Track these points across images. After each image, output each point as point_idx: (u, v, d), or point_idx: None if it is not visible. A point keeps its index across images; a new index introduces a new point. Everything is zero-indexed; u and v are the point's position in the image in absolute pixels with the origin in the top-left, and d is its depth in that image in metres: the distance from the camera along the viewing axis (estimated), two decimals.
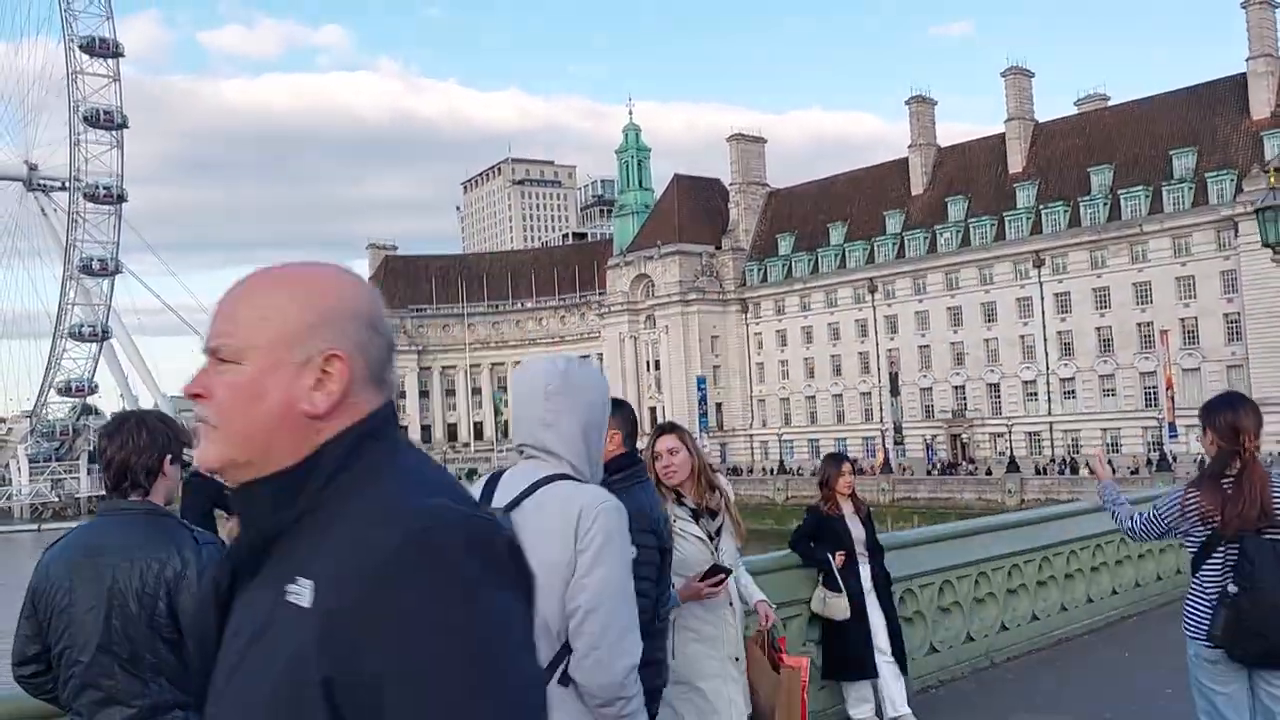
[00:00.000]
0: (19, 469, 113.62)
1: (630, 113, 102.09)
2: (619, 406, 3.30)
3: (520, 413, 2.56)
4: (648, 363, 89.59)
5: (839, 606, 6.08)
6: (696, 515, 4.15)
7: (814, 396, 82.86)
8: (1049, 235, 70.24)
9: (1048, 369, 69.96)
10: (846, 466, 6.52)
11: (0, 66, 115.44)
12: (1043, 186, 72.31)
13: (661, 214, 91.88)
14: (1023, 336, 71.44)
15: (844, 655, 6.18)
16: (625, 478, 3.18)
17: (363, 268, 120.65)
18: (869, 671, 6.20)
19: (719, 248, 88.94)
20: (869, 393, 79.23)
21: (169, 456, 3.03)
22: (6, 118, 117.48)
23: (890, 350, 76.83)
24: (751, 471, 77.50)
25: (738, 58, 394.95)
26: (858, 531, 6.37)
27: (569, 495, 2.41)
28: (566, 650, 2.33)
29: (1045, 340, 70.05)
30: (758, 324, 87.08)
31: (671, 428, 4.31)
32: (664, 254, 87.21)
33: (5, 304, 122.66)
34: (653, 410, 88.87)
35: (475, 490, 2.57)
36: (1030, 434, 69.31)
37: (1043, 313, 69.99)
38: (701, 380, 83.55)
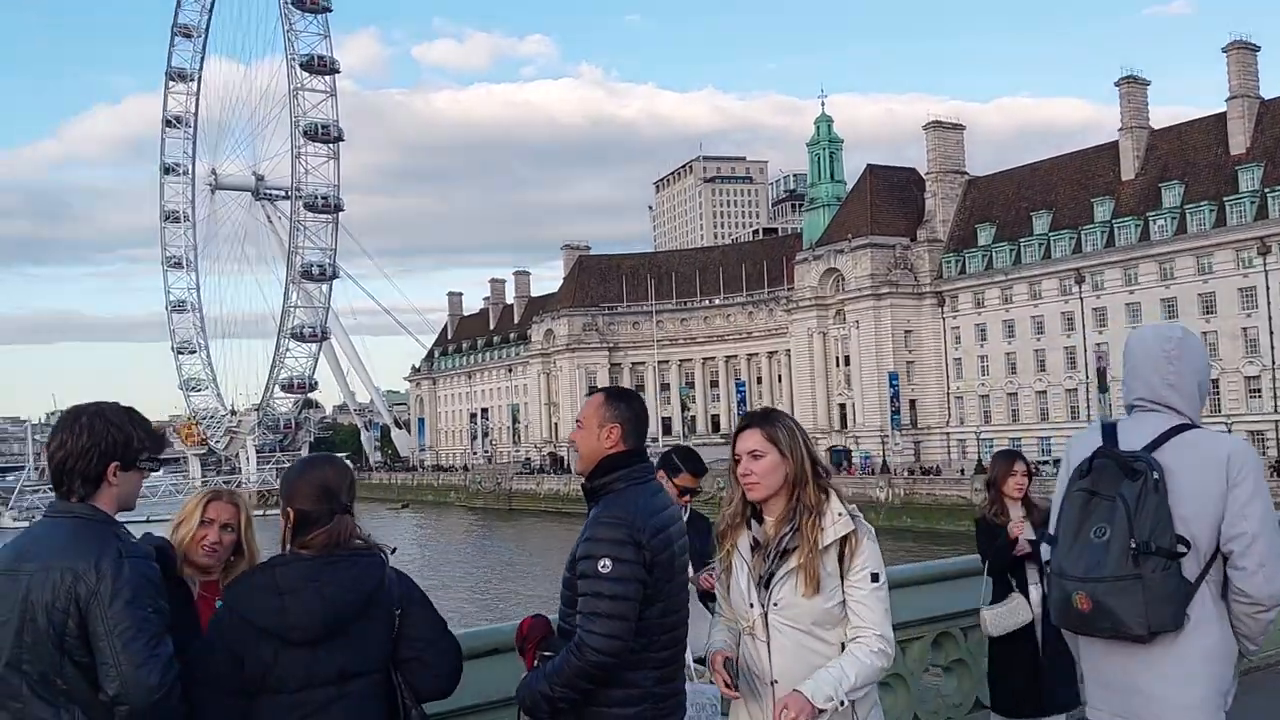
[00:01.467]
0: (248, 459, 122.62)
1: (822, 104, 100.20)
2: (621, 398, 3.14)
3: (1141, 372, 2.95)
4: (837, 359, 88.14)
5: (1013, 611, 5.15)
6: (755, 547, 3.02)
7: (1015, 393, 79.54)
8: (1276, 220, 64.98)
9: (1274, 363, 64.77)
10: (1020, 465, 5.50)
11: (236, 86, 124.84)
12: (1269, 168, 66.91)
13: (853, 206, 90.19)
14: (1245, 329, 66.35)
15: (1018, 687, 5.17)
16: (620, 478, 2.98)
17: (558, 267, 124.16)
18: (1047, 708, 5.13)
19: (914, 240, 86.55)
20: (1075, 389, 75.39)
21: (115, 464, 2.67)
22: (239, 133, 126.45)
23: (1098, 344, 72.81)
24: (947, 471, 75.19)
25: (941, 47, 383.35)
26: (1025, 539, 5.31)
27: (1214, 440, 2.88)
28: (1209, 566, 2.78)
29: (1271, 333, 64.85)
30: (955, 318, 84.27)
31: (762, 418, 3.09)
32: (855, 247, 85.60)
33: (237, 307, 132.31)
34: (842, 407, 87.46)
35: (1094, 434, 2.96)
36: (1253, 433, 64.31)
37: (1269, 303, 64.80)
38: (894, 376, 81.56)
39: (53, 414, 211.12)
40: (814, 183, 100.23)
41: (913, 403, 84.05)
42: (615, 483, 2.99)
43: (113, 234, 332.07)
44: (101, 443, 2.66)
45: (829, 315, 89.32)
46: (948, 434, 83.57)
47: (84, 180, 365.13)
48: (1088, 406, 72.87)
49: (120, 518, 2.75)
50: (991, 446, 79.21)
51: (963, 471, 70.91)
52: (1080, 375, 74.55)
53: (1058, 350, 76.79)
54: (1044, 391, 77.68)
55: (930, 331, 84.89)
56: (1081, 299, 75.10)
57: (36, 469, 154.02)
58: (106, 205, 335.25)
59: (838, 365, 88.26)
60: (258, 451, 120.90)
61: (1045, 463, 71.92)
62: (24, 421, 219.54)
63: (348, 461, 3.57)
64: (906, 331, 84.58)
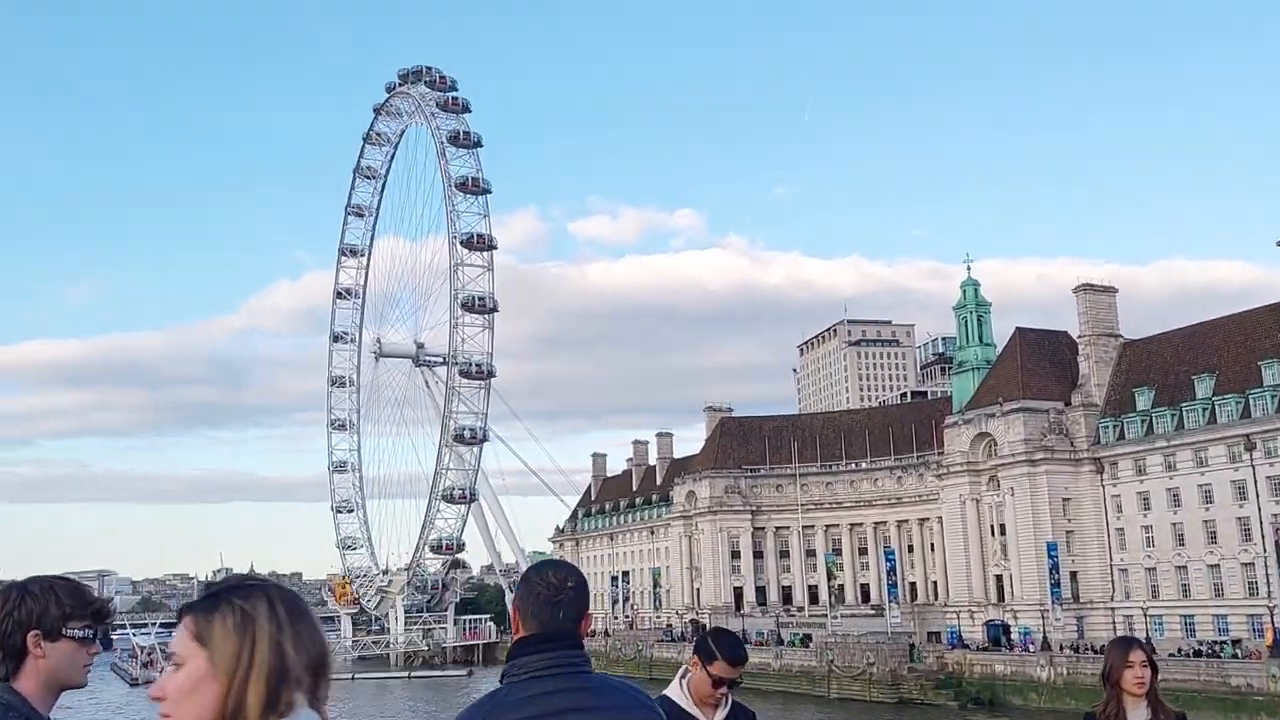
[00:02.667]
0: (396, 618, 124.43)
1: (968, 268, 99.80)
2: (525, 578, 2.82)
3: None
4: (992, 527, 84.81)
5: None
6: None
7: (1185, 566, 74.63)
8: None
9: None
10: (1138, 655, 4.75)
11: (402, 261, 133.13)
12: None
13: (1003, 369, 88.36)
14: None
15: None
16: (507, 670, 2.67)
17: (700, 429, 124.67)
18: None
19: (1068, 404, 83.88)
20: (1251, 563, 70.28)
21: (36, 634, 2.61)
22: (403, 304, 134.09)
23: (1275, 515, 68.14)
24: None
25: (1093, 208, 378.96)
26: None
27: None
28: None
29: None
30: (1115, 485, 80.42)
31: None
32: (1006, 411, 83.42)
33: (393, 468, 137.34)
34: (999, 579, 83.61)
35: None
36: None
37: None
38: (1053, 547, 77.77)
39: (219, 571, 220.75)
40: (962, 346, 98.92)
41: (1074, 574, 79.72)
42: (503, 676, 2.70)
43: (285, 399, 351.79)
44: (16, 612, 2.61)
45: (981, 481, 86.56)
46: (1112, 609, 78.61)
47: (262, 350, 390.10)
48: (1267, 582, 67.71)
49: None
50: (1161, 624, 74.08)
51: None
52: (1256, 548, 69.59)
53: (1229, 521, 72.12)
54: (1216, 565, 72.69)
55: (1090, 499, 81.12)
56: (1253, 466, 70.82)
57: None
58: (281, 373, 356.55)
59: (993, 534, 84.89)
60: (405, 612, 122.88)
61: (1223, 643, 66.75)
62: (191, 578, 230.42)
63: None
64: (1064, 499, 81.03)
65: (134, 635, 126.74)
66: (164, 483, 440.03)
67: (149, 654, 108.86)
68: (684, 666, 4.41)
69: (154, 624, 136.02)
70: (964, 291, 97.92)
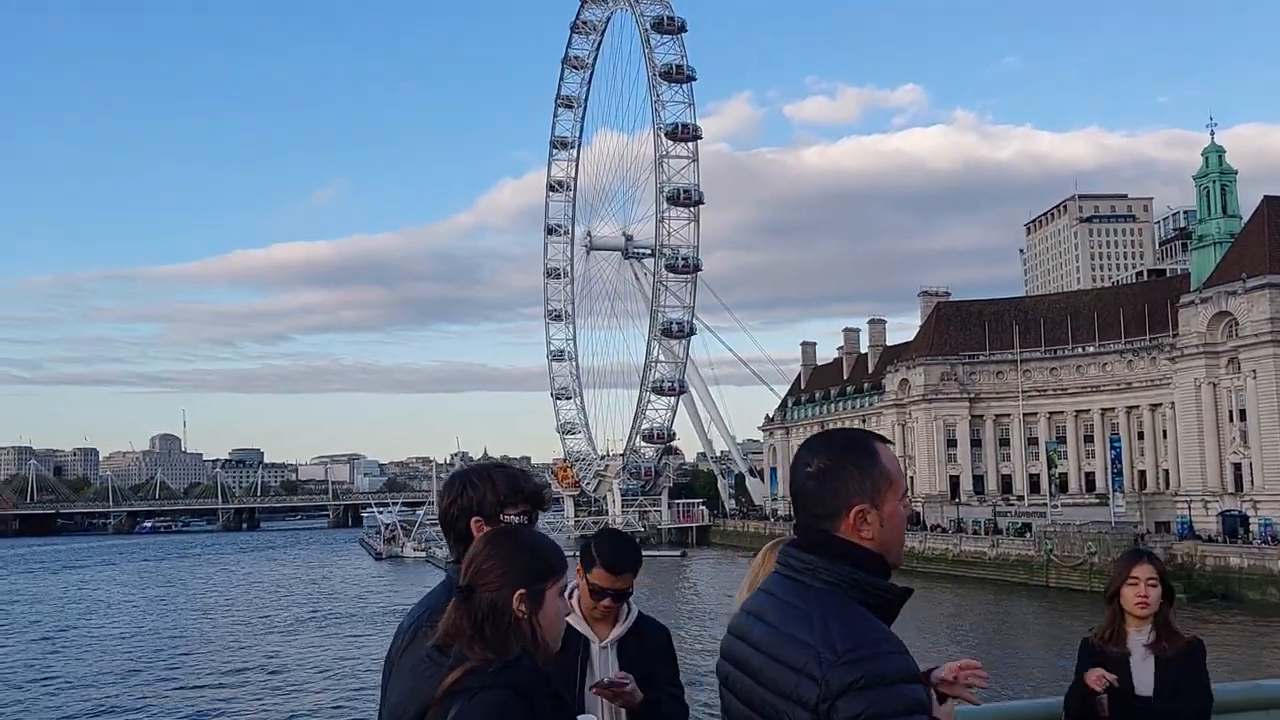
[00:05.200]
0: (613, 501, 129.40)
1: (1211, 134, 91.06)
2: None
3: None
4: (1230, 412, 78.81)
5: None
6: None
7: None
8: None
9: None
10: (1144, 570, 4.10)
11: (610, 154, 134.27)
12: None
13: (1248, 242, 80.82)
14: None
15: None
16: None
17: (914, 317, 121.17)
18: None
19: None
20: None
21: (478, 519, 2.81)
22: (612, 197, 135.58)
23: None
24: None
25: None
26: (1143, 682, 3.97)
27: None
28: None
29: None
30: None
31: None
32: (1249, 288, 76.53)
33: (606, 359, 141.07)
34: (1236, 467, 77.97)
35: None
36: None
37: None
38: None
39: (457, 454, 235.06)
40: (1203, 219, 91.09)
41: None
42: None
43: (513, 294, 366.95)
44: (460, 499, 2.85)
45: (1220, 364, 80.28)
46: None
47: (490, 246, 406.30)
48: None
49: None
50: None
51: None
52: None
53: None
54: None
55: None
56: None
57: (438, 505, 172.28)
58: (508, 268, 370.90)
59: (1231, 420, 78.97)
60: (622, 495, 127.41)
61: None
62: (430, 461, 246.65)
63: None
64: None
65: (379, 514, 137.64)
66: (406, 374, 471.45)
67: (391, 531, 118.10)
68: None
69: (396, 504, 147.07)
70: (1206, 159, 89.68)
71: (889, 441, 2.46)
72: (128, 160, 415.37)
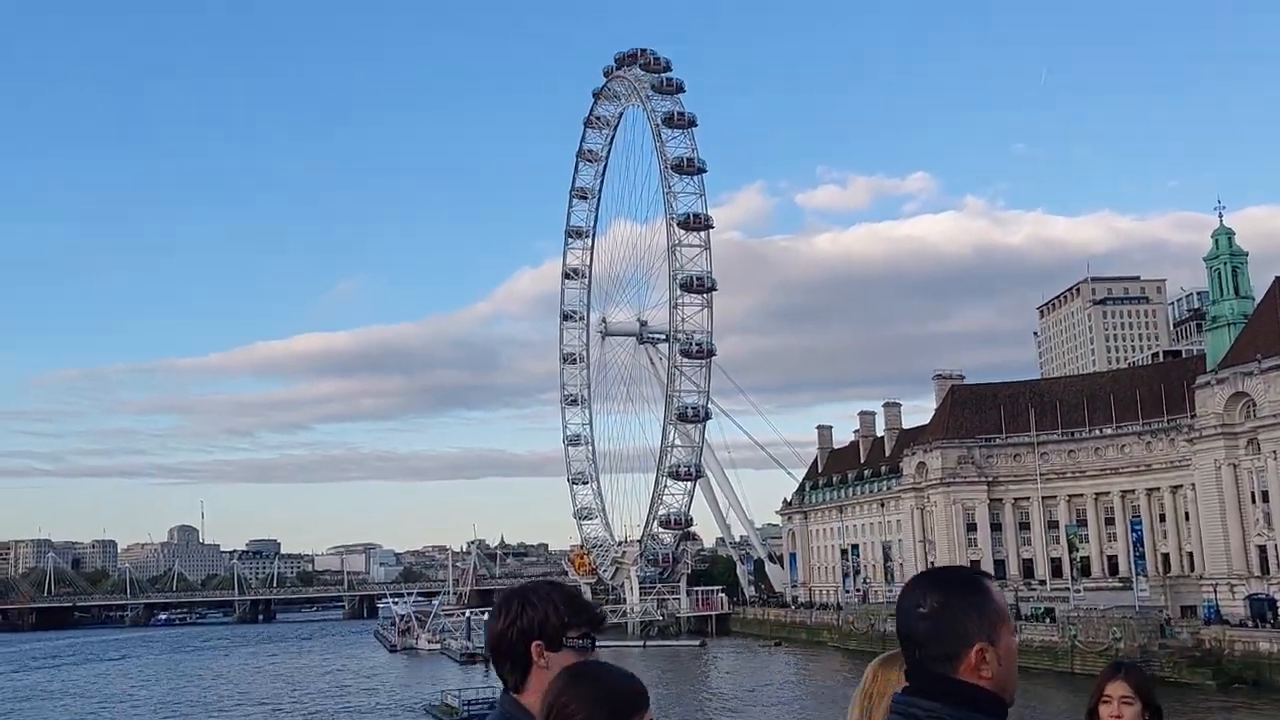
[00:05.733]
0: (631, 589, 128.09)
1: (1220, 216, 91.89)
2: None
3: None
4: (1253, 494, 78.05)
5: None
6: None
7: None
8: None
9: None
10: (1118, 688, 3.93)
11: (624, 242, 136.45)
12: None
13: (1261, 323, 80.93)
14: None
15: None
16: None
17: (929, 401, 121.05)
18: None
19: None
20: None
21: (539, 644, 2.58)
22: (626, 284, 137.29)
23: None
24: None
25: None
26: None
27: None
28: None
29: None
30: None
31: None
32: (1265, 368, 76.42)
33: (622, 443, 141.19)
34: (1261, 549, 76.94)
35: None
36: None
37: None
38: None
39: (473, 542, 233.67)
40: (1215, 300, 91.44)
41: None
42: None
43: (530, 379, 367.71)
44: (519, 620, 2.59)
45: (1239, 445, 79.77)
46: None
47: (508, 333, 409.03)
48: None
49: None
50: None
51: None
52: None
53: None
54: None
55: None
56: None
57: (455, 595, 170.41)
58: (525, 354, 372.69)
59: (1253, 501, 78.16)
60: (640, 582, 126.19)
61: None
62: (447, 550, 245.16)
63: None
64: None
65: (394, 604, 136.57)
66: (423, 460, 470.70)
67: (406, 623, 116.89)
68: None
69: (411, 594, 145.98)
70: (1215, 241, 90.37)
71: (991, 576, 2.51)
72: (154, 255, 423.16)
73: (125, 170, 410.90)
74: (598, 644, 2.69)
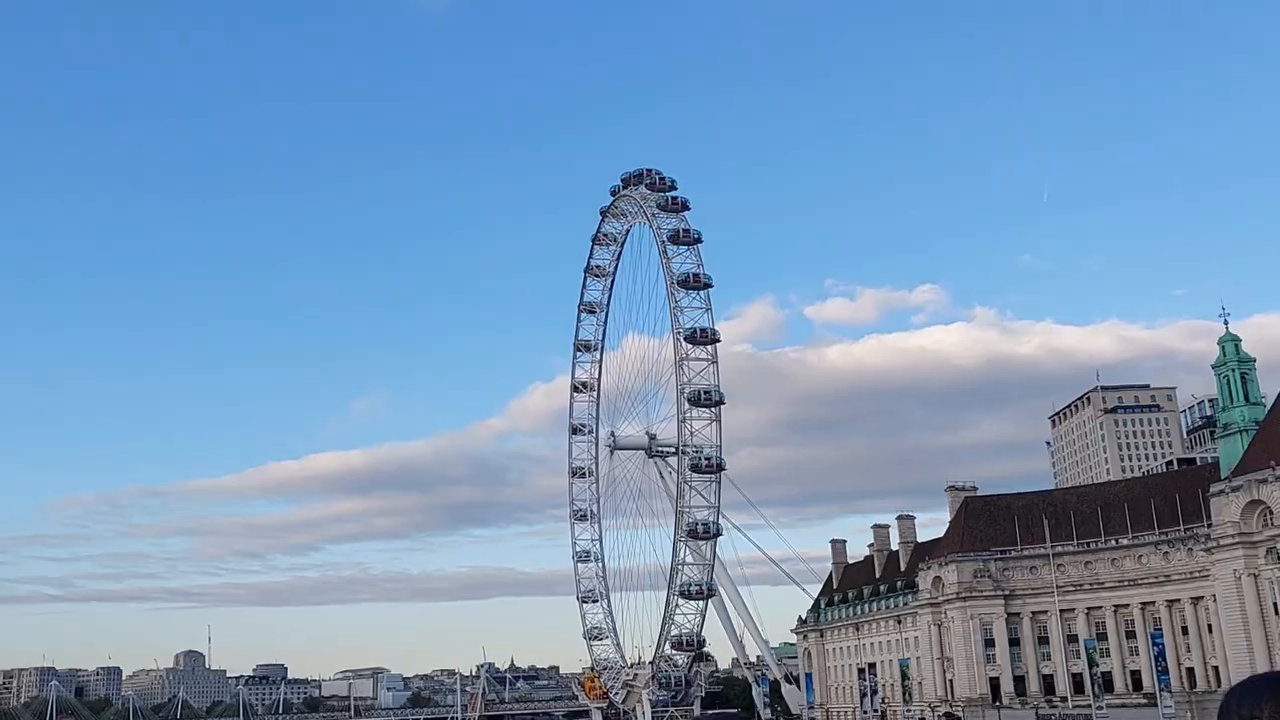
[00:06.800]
0: (643, 713, 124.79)
1: (1225, 323, 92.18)
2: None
3: None
4: (1275, 604, 76.32)
5: None
6: None
7: None
8: None
9: None
10: None
11: (631, 356, 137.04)
12: None
13: (1273, 429, 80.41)
14: None
15: None
16: None
17: (943, 512, 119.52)
18: None
19: None
20: None
21: None
22: (634, 397, 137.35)
23: None
24: None
25: None
26: None
27: None
28: None
29: None
30: None
31: None
32: None
33: (632, 560, 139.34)
34: None
35: None
36: None
37: None
38: None
39: (482, 665, 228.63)
40: (1225, 407, 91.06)
41: None
42: None
43: (541, 495, 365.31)
44: None
45: (1258, 554, 78.43)
46: None
47: (520, 448, 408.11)
48: None
49: None
50: None
51: None
52: None
53: None
54: None
55: None
56: None
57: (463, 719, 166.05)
58: (536, 469, 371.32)
59: (1276, 612, 76.40)
60: (652, 706, 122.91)
61: None
62: (455, 673, 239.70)
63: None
64: None
65: None
66: (433, 581, 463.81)
67: None
68: None
69: None
70: (1222, 348, 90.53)
71: None
72: (169, 376, 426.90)
73: (141, 289, 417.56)
74: None
